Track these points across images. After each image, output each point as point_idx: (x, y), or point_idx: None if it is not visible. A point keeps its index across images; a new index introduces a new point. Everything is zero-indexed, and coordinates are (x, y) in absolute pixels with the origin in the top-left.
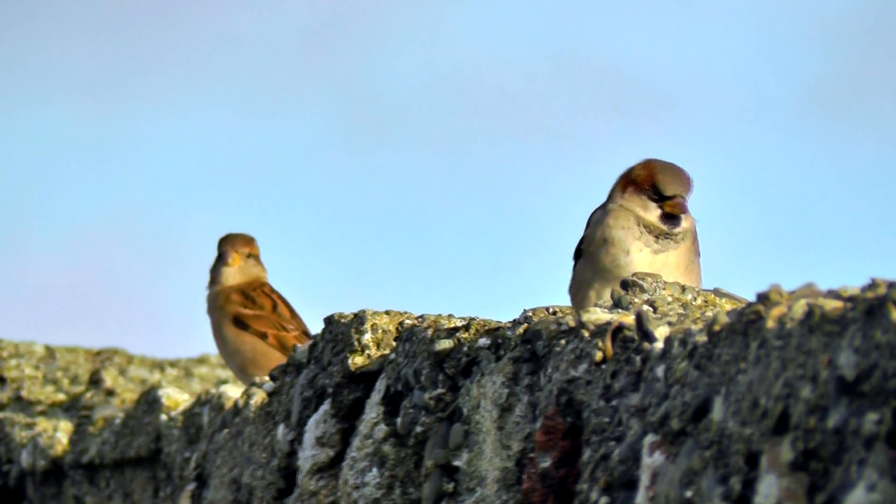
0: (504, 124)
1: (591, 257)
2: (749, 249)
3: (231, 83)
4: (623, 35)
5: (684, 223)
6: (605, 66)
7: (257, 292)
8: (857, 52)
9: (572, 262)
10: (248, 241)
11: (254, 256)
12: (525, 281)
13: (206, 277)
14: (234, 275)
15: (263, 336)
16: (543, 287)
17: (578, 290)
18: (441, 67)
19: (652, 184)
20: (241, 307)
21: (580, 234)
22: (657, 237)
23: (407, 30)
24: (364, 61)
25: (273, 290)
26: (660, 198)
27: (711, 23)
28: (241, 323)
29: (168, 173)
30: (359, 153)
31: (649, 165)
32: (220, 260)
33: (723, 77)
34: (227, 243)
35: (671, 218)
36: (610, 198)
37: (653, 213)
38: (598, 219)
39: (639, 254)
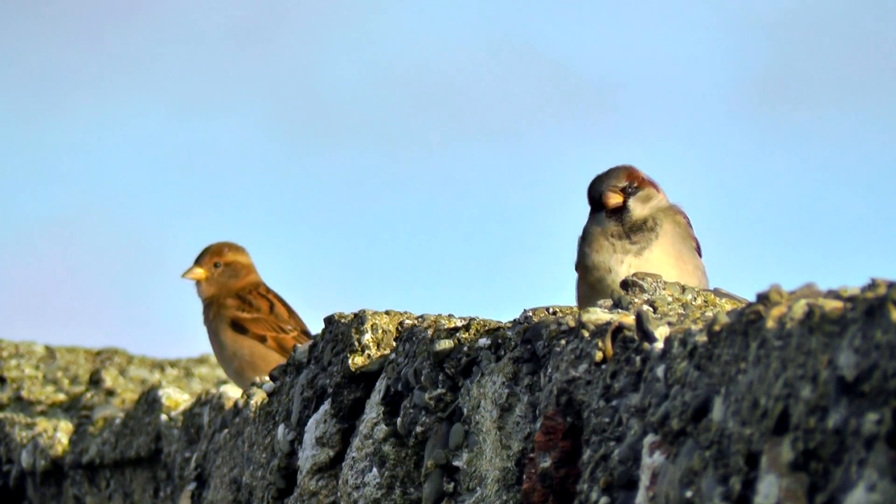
0: (466, 121)
1: (583, 280)
2: (737, 248)
3: (175, 78)
4: (567, 29)
5: (638, 208)
6: (550, 60)
7: (253, 294)
8: (797, 45)
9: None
10: (216, 251)
11: (226, 263)
12: (525, 281)
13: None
14: (204, 288)
15: (262, 339)
16: (543, 287)
17: (580, 305)
18: (384, 61)
19: (590, 198)
20: (237, 311)
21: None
22: (626, 236)
23: (347, 23)
24: (312, 55)
25: (269, 291)
26: (599, 205)
27: (654, 16)
28: (239, 327)
29: (160, 173)
30: (358, 151)
31: (589, 186)
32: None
33: (666, 70)
34: (186, 271)
35: (616, 212)
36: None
37: (605, 222)
38: (579, 243)
39: (620, 266)
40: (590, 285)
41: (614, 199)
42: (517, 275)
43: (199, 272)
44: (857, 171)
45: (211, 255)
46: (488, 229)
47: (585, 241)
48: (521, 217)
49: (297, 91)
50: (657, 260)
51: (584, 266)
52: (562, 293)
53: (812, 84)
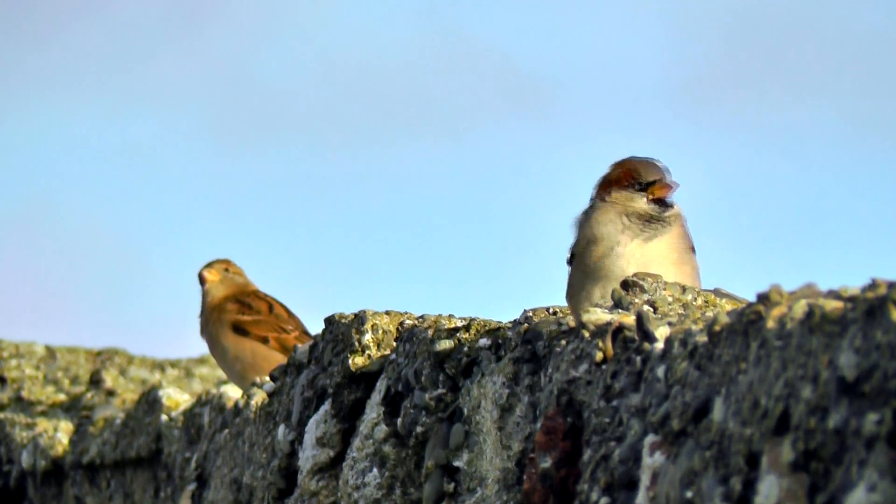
0: (424, 117)
1: (580, 258)
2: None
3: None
4: (507, 22)
5: (675, 206)
6: (491, 54)
7: (251, 297)
8: (731, 40)
9: (567, 267)
10: (224, 260)
11: (233, 272)
12: (525, 281)
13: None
14: (217, 286)
15: (264, 340)
16: (543, 287)
17: (573, 295)
18: (322, 53)
19: (632, 177)
20: (238, 315)
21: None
22: (646, 222)
23: (288, 16)
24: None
25: (266, 294)
26: (643, 186)
27: (593, 11)
28: (240, 330)
29: (157, 174)
30: (363, 147)
31: (624, 163)
32: (201, 283)
33: (605, 65)
34: (202, 268)
35: (660, 203)
36: (592, 202)
37: (640, 202)
38: (582, 219)
39: (626, 247)
40: (586, 266)
41: (668, 189)
42: (517, 275)
43: (214, 272)
44: (802, 163)
45: (220, 263)
46: (488, 229)
47: (594, 213)
48: (524, 217)
49: (238, 87)
50: (661, 254)
51: (587, 238)
52: (562, 293)
53: (747, 77)
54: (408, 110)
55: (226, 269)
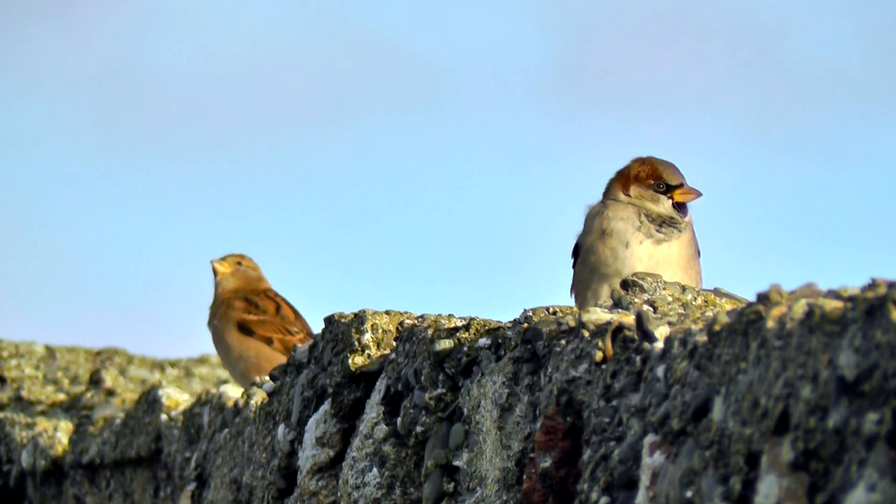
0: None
1: (589, 251)
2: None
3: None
4: (397, 9)
5: (689, 213)
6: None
7: (260, 297)
8: (613, 32)
9: (571, 261)
10: (238, 254)
11: (247, 266)
12: (525, 281)
13: (207, 278)
14: (228, 278)
15: (269, 341)
16: (543, 287)
17: (579, 292)
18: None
19: (657, 177)
20: (244, 313)
21: (576, 231)
22: (661, 225)
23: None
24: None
25: (276, 294)
26: (667, 188)
27: (480, 5)
28: (245, 329)
29: (156, 176)
30: (349, 145)
31: (648, 161)
32: (214, 274)
33: (493, 52)
34: (216, 260)
35: (680, 207)
36: (607, 195)
37: (664, 205)
38: (596, 212)
39: (639, 246)
40: (595, 261)
41: (696, 194)
42: (517, 275)
43: (226, 265)
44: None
45: (233, 257)
46: (489, 229)
47: (609, 207)
48: (524, 217)
49: (124, 79)
50: (671, 258)
51: (599, 230)
52: (562, 293)
53: (599, 76)
54: (309, 98)
55: (238, 263)
